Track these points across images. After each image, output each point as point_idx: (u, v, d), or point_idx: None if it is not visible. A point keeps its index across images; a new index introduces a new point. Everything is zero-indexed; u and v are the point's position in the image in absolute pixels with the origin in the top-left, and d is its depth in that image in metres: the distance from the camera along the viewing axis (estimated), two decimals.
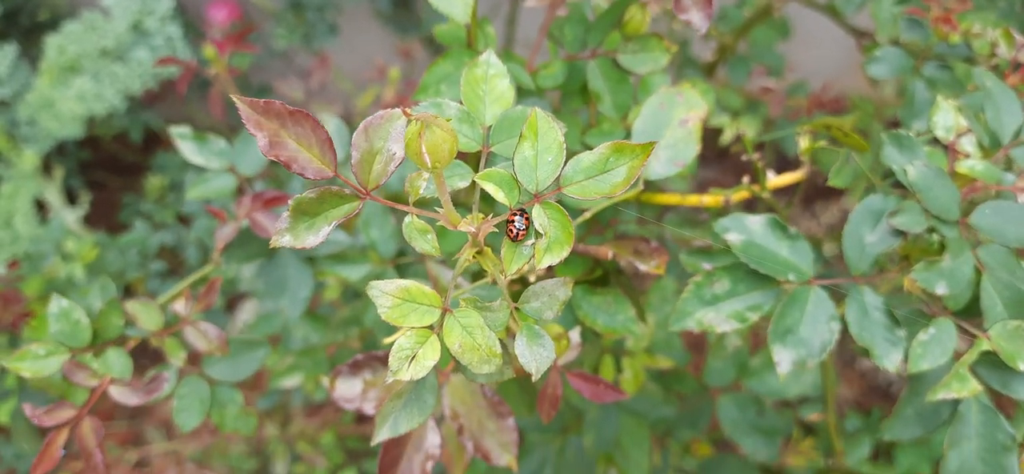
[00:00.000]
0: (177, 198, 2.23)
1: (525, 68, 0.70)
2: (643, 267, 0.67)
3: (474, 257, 0.49)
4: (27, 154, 2.01)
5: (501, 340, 0.49)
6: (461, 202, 0.56)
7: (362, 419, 1.83)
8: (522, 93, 0.70)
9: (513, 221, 0.46)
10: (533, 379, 0.49)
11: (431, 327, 0.46)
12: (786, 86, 1.44)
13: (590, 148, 0.64)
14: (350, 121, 2.50)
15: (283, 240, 0.44)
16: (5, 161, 2.06)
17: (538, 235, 0.46)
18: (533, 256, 0.46)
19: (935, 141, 0.66)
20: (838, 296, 0.62)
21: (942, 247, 0.61)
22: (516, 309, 0.51)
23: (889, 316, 0.60)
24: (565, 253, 0.45)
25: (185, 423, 0.72)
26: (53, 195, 2.18)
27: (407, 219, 0.46)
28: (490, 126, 0.52)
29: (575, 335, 0.67)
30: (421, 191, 0.46)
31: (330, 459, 1.68)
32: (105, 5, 1.97)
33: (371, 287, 0.46)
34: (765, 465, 1.02)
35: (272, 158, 0.42)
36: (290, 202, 0.43)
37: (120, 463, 1.57)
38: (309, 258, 0.80)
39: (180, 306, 0.73)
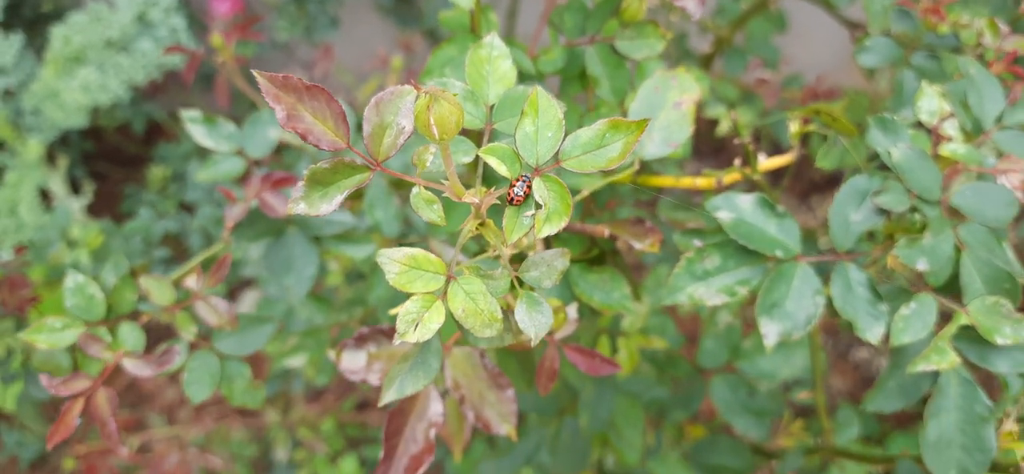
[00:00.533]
0: (179, 188, 2.26)
1: (527, 54, 0.73)
2: (638, 245, 0.70)
3: (477, 229, 0.51)
4: (32, 143, 2.04)
5: (502, 307, 0.52)
6: (464, 181, 0.58)
7: (362, 406, 1.85)
8: (523, 77, 0.72)
9: (514, 186, 0.49)
10: (532, 344, 0.51)
11: (436, 293, 0.49)
12: (781, 78, 1.47)
13: None
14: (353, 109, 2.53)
15: (298, 208, 0.46)
16: (10, 150, 2.09)
17: (538, 206, 0.49)
18: (533, 227, 0.48)
19: (919, 125, 0.69)
20: (825, 273, 0.65)
21: (924, 226, 0.63)
22: (516, 277, 0.53)
23: (872, 291, 0.63)
24: (564, 223, 0.48)
25: (196, 395, 0.75)
26: (57, 184, 2.20)
27: (415, 190, 0.48)
28: (493, 105, 0.55)
29: (572, 311, 0.70)
30: (428, 164, 0.49)
31: (330, 445, 1.71)
32: None
33: (380, 254, 0.48)
34: (757, 445, 1.05)
35: (289, 129, 0.45)
36: (306, 171, 0.46)
37: (127, 448, 1.59)
38: (315, 238, 0.82)
39: (191, 282, 0.76)
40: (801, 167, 2.23)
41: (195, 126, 0.87)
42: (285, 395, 1.74)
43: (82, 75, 1.94)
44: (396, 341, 0.48)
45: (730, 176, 0.72)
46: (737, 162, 0.73)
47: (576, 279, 0.72)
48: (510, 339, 0.54)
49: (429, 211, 0.48)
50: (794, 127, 0.73)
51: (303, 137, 0.45)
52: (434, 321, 0.48)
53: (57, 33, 1.95)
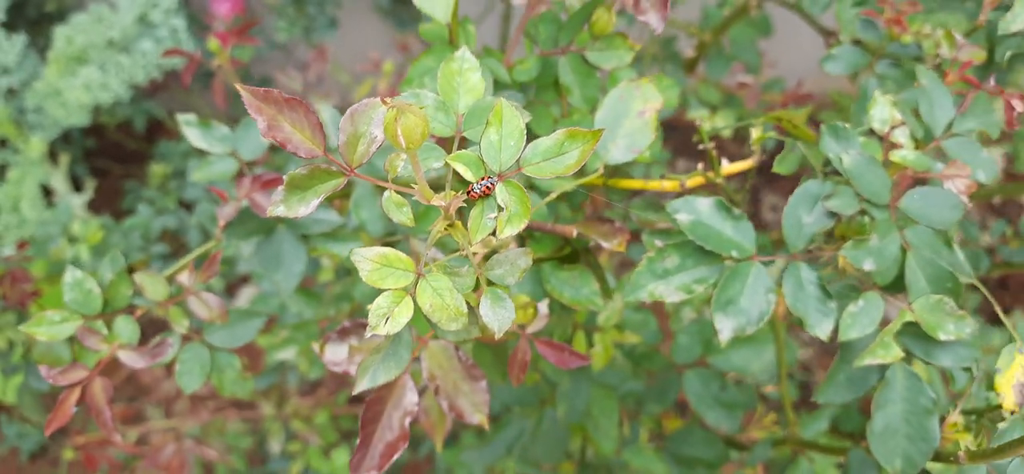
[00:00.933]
0: (179, 185, 2.30)
1: (503, 63, 0.77)
2: (606, 244, 0.74)
3: (446, 229, 0.55)
4: (34, 141, 2.08)
5: (468, 302, 0.56)
6: (437, 186, 0.62)
7: (355, 400, 1.89)
8: (499, 86, 0.77)
9: (473, 186, 0.53)
10: (496, 337, 0.55)
11: (406, 289, 0.53)
12: (762, 83, 1.51)
13: None
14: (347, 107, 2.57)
15: (278, 209, 0.50)
16: (13, 147, 2.13)
17: (500, 209, 0.53)
18: (496, 227, 0.52)
19: (872, 133, 0.73)
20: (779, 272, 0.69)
21: (872, 228, 0.67)
22: (482, 275, 0.58)
23: (822, 289, 0.67)
24: (523, 225, 0.52)
25: (187, 384, 0.79)
26: (59, 181, 2.25)
27: (386, 194, 0.53)
28: (463, 114, 0.59)
29: (543, 306, 0.74)
30: (399, 170, 0.53)
31: (323, 437, 1.75)
32: None
33: (355, 253, 0.52)
34: (729, 437, 1.09)
35: (270, 139, 0.49)
36: (285, 177, 0.50)
37: (123, 439, 1.64)
38: (303, 236, 0.86)
39: (184, 278, 0.80)
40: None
41: (190, 129, 0.91)
42: (280, 388, 1.78)
43: (84, 74, 1.98)
44: (368, 334, 0.52)
45: (693, 180, 0.76)
46: (701, 166, 0.77)
47: (548, 276, 0.76)
48: (476, 332, 0.59)
49: (398, 213, 0.52)
50: (755, 133, 0.77)
51: (282, 145, 0.49)
52: (403, 315, 0.52)
53: (60, 33, 1.99)
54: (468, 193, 0.54)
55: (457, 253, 0.60)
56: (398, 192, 0.53)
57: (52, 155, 2.34)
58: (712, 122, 1.39)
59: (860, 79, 0.92)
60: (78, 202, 2.29)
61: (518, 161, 0.53)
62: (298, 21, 2.42)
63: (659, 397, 1.08)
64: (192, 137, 0.91)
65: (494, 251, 0.71)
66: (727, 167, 0.78)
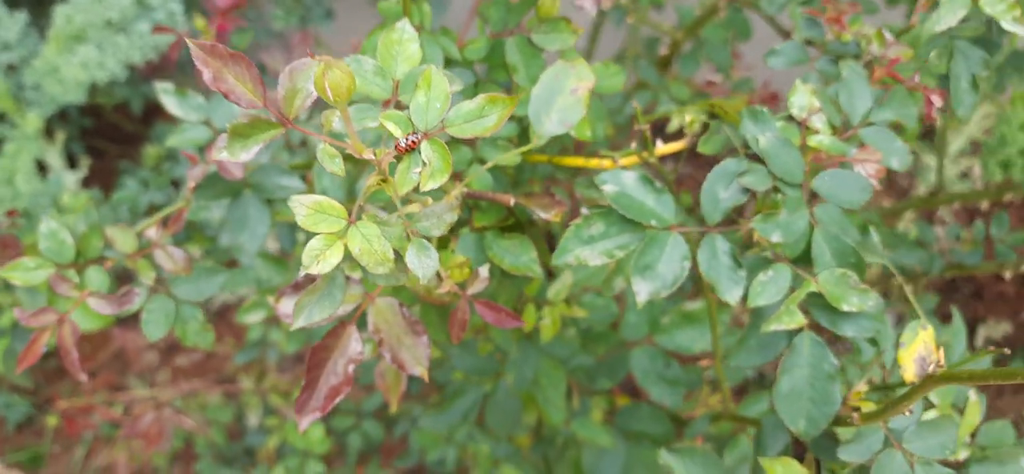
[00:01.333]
0: (173, 167, 2.35)
1: (455, 43, 0.83)
2: (544, 215, 0.79)
3: (379, 183, 0.61)
4: (31, 116, 2.14)
5: (396, 250, 0.61)
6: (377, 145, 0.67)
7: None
8: (450, 63, 0.82)
9: (399, 141, 0.58)
10: (421, 282, 0.61)
11: (338, 234, 0.58)
12: (732, 82, 1.56)
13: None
14: None
15: (222, 155, 0.56)
16: (10, 122, 2.19)
17: (425, 164, 0.58)
18: (420, 181, 0.58)
19: (791, 118, 0.78)
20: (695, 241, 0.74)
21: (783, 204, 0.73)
22: (409, 226, 0.63)
23: (734, 259, 0.72)
24: (445, 179, 0.57)
25: (152, 333, 0.84)
26: (54, 157, 2.30)
27: (320, 146, 0.58)
28: (400, 80, 0.64)
29: (484, 270, 0.80)
30: (334, 125, 0.59)
31: None
32: None
33: (292, 199, 0.58)
34: (675, 414, 1.14)
35: (215, 89, 0.54)
36: (228, 125, 0.55)
37: (107, 408, 1.70)
38: (268, 200, 0.92)
39: (152, 233, 0.85)
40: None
41: (167, 97, 0.96)
42: (260, 364, 1.84)
43: (82, 53, 2.04)
44: (301, 272, 0.57)
45: (627, 158, 0.82)
46: (633, 145, 0.82)
47: (490, 243, 0.82)
48: (404, 279, 0.64)
49: (331, 164, 0.58)
50: (688, 117, 0.82)
51: (226, 95, 0.54)
52: (333, 257, 0.58)
53: (61, 12, 2.05)
54: (396, 148, 0.59)
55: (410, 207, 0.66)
56: (332, 145, 0.58)
57: (49, 132, 2.40)
58: (680, 116, 1.44)
59: (801, 74, 0.97)
60: (72, 179, 2.35)
61: (443, 122, 0.58)
62: (295, 10, 2.47)
63: (610, 372, 1.14)
64: (169, 105, 0.97)
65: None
66: (660, 148, 0.83)
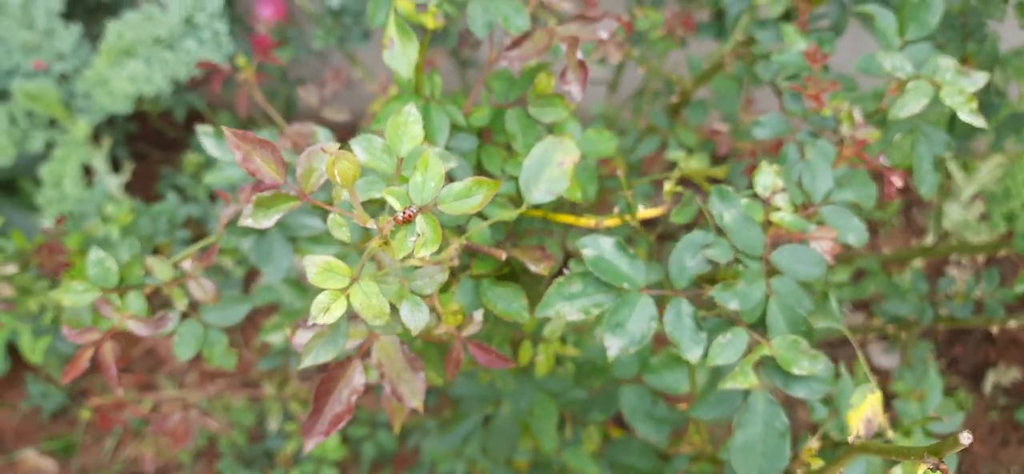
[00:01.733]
0: (218, 165, 2.47)
1: (462, 110, 0.92)
2: (535, 268, 0.89)
3: (381, 246, 0.70)
4: (80, 124, 2.27)
5: (393, 304, 0.71)
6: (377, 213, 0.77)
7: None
8: (457, 129, 0.92)
9: (397, 214, 0.68)
10: (413, 335, 0.70)
11: (342, 290, 0.68)
12: (741, 130, 1.65)
13: (510, 175, 0.86)
14: (357, 123, 2.74)
15: (247, 221, 0.66)
16: (61, 128, 2.32)
17: (419, 235, 0.67)
18: (415, 248, 0.67)
19: (755, 196, 0.87)
20: (662, 303, 0.83)
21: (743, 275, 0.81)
22: (406, 284, 0.73)
23: (696, 322, 0.81)
24: (435, 247, 0.67)
25: (182, 354, 0.95)
26: (99, 162, 2.43)
27: (330, 215, 0.68)
28: (404, 157, 0.74)
29: (478, 314, 0.89)
30: (343, 198, 0.68)
31: None
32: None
33: (305, 259, 0.68)
34: (661, 450, 1.23)
35: (244, 168, 0.64)
36: (254, 197, 0.65)
37: (137, 405, 1.81)
38: (291, 237, 1.02)
39: (187, 264, 0.96)
40: None
41: (206, 138, 1.07)
42: (282, 371, 1.94)
43: (130, 67, 2.16)
44: (309, 322, 0.67)
45: (610, 221, 0.91)
46: (616, 210, 0.91)
47: (486, 290, 0.91)
48: (399, 328, 0.73)
49: (339, 231, 0.68)
50: (668, 186, 0.91)
51: (253, 174, 0.64)
52: (338, 310, 0.67)
53: (112, 28, 2.18)
54: (396, 219, 0.69)
55: (409, 263, 0.75)
56: (340, 214, 0.68)
57: (96, 137, 2.53)
58: (687, 163, 1.53)
59: (784, 144, 1.05)
60: (115, 182, 2.48)
61: (436, 199, 0.68)
62: (334, 31, 2.59)
63: (602, 407, 1.23)
64: (207, 145, 1.07)
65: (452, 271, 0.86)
66: (642, 212, 0.92)
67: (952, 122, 1.48)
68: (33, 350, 2.18)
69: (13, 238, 2.19)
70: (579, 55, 0.83)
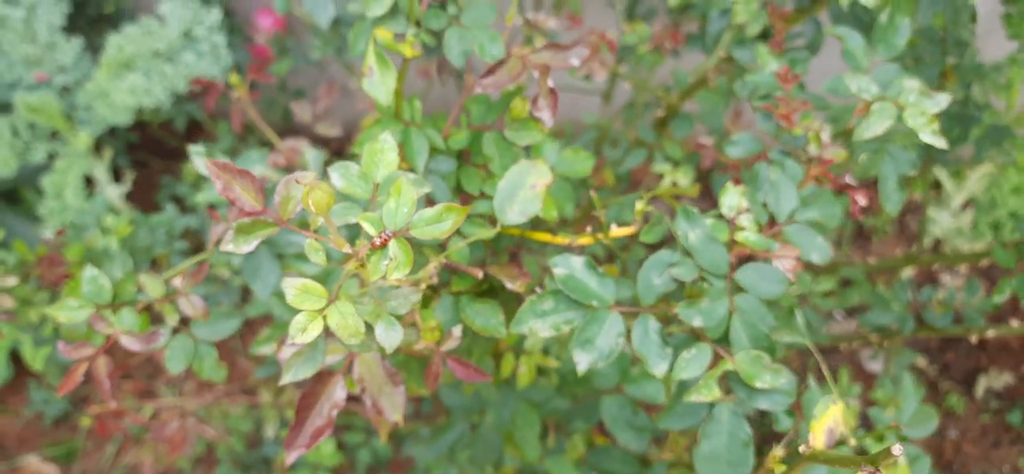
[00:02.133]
0: (209, 183, 2.52)
1: (441, 133, 0.96)
2: (510, 285, 0.92)
3: (357, 268, 0.74)
4: (81, 135, 2.31)
5: (368, 323, 0.74)
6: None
7: (349, 397, 2.09)
8: (436, 151, 0.95)
9: (373, 239, 0.71)
10: (388, 353, 0.74)
11: (319, 311, 0.71)
12: (720, 143, 1.68)
13: (486, 195, 0.90)
14: (351, 136, 2.78)
15: (228, 246, 0.69)
16: (62, 139, 2.36)
17: (392, 258, 0.71)
18: (387, 271, 0.71)
19: (721, 217, 0.90)
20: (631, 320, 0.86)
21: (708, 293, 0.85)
22: (380, 304, 0.76)
23: (662, 337, 0.84)
24: (407, 270, 0.70)
25: (173, 368, 0.98)
26: (101, 172, 2.47)
27: (307, 241, 0.71)
28: (379, 183, 0.78)
29: (457, 330, 0.93)
30: (319, 224, 0.72)
31: None
32: (161, 12, 2.26)
33: (284, 282, 0.71)
34: (642, 456, 1.26)
35: (225, 196, 0.68)
36: (234, 224, 0.69)
37: (135, 413, 1.85)
38: (279, 255, 1.05)
39: (178, 282, 1.00)
40: None
41: (197, 158, 1.10)
42: (278, 379, 1.98)
43: (131, 80, 2.20)
44: (288, 341, 0.70)
45: (583, 239, 0.94)
46: (589, 229, 0.95)
47: (465, 306, 0.95)
48: (375, 346, 0.77)
49: (316, 256, 0.71)
50: (638, 206, 0.94)
51: (233, 202, 0.68)
52: (315, 330, 0.71)
53: (112, 41, 2.22)
54: (371, 244, 0.72)
55: (391, 285, 0.79)
56: (317, 240, 0.72)
57: (97, 148, 2.57)
58: (673, 176, 1.57)
59: (755, 164, 1.09)
60: (116, 192, 2.52)
61: (408, 224, 0.72)
62: (332, 41, 2.63)
63: (585, 416, 1.26)
64: (198, 165, 1.11)
65: (433, 287, 0.90)
66: (614, 231, 0.95)
67: (915, 142, 1.52)
68: (34, 358, 2.22)
69: (15, 248, 2.22)
70: (550, 83, 0.86)
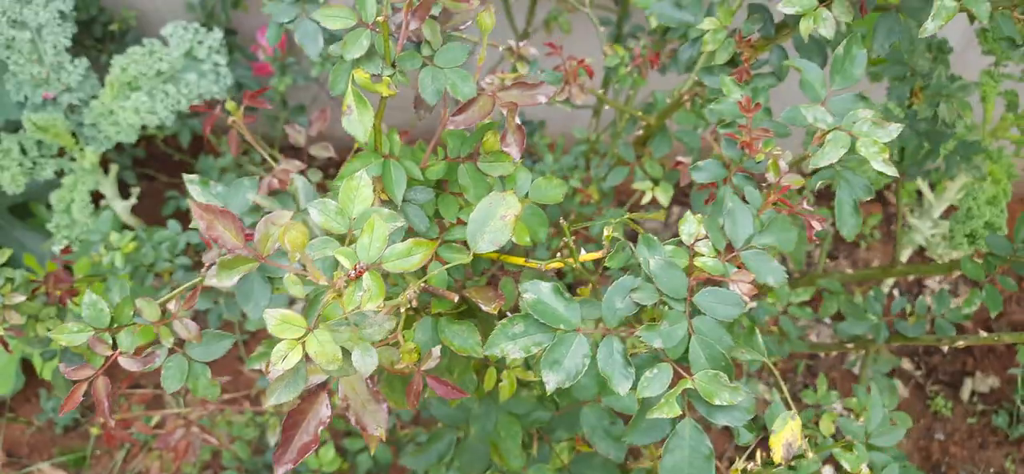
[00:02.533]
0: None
1: (420, 164, 1.02)
2: (486, 308, 0.98)
3: (334, 298, 0.80)
4: (88, 152, 2.37)
5: (345, 348, 0.80)
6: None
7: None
8: (414, 182, 1.01)
9: (350, 272, 0.77)
10: (365, 377, 0.80)
11: (299, 339, 0.77)
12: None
13: (463, 222, 0.96)
14: (343, 158, 2.84)
15: (211, 281, 0.75)
16: (69, 156, 2.43)
17: (366, 290, 0.77)
18: (362, 301, 0.77)
19: (680, 243, 0.96)
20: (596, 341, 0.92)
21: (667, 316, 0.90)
22: (355, 332, 0.82)
23: (625, 358, 0.90)
24: (380, 301, 0.76)
25: (169, 387, 1.04)
26: (107, 188, 2.54)
27: (286, 274, 0.77)
28: (355, 218, 0.83)
29: (437, 350, 0.98)
30: (297, 259, 0.78)
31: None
32: (164, 33, 2.32)
33: (265, 313, 0.77)
34: (622, 464, 1.32)
35: (208, 235, 0.74)
36: (218, 261, 0.75)
37: (140, 421, 1.91)
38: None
39: (172, 305, 1.06)
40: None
41: (192, 186, 1.16)
42: None
43: (135, 99, 2.27)
44: (270, 369, 0.76)
45: (553, 264, 1.00)
46: (559, 255, 1.00)
47: (443, 328, 1.00)
48: (352, 372, 0.83)
49: (295, 288, 0.77)
50: (607, 232, 1.00)
51: (216, 241, 0.74)
52: (296, 357, 0.77)
53: (117, 62, 2.28)
54: (347, 276, 0.78)
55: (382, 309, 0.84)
56: (296, 274, 0.77)
57: (103, 164, 2.63)
58: (653, 192, 1.62)
59: (719, 188, 1.14)
60: (123, 207, 2.59)
61: (380, 258, 0.77)
62: (330, 59, 2.69)
63: (566, 426, 1.32)
64: (193, 192, 1.17)
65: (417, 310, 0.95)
66: (583, 255, 1.01)
67: (902, 153, 1.57)
68: (44, 369, 2.29)
69: (25, 261, 2.29)
70: (517, 121, 0.92)
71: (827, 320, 2.57)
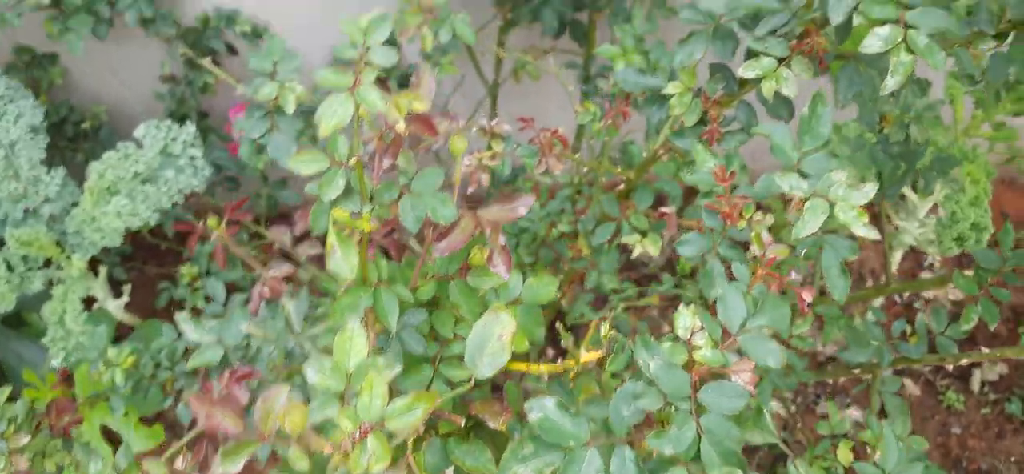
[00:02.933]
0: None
1: (408, 287, 1.02)
2: (493, 424, 0.98)
3: (340, 461, 0.79)
4: (75, 259, 2.37)
5: None
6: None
7: None
8: (405, 306, 1.01)
9: (354, 434, 0.77)
10: None
11: None
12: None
13: (460, 336, 0.96)
14: None
15: (218, 471, 0.75)
16: (57, 265, 2.42)
17: (371, 454, 0.77)
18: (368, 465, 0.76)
19: (677, 339, 0.96)
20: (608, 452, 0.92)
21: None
22: None
23: (638, 466, 0.89)
24: (386, 464, 0.76)
25: None
26: (99, 290, 2.54)
27: (289, 450, 0.77)
28: (351, 373, 0.83)
29: (450, 471, 0.98)
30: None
31: None
32: (137, 135, 2.31)
33: None
34: None
35: (206, 425, 0.73)
36: (221, 450, 0.75)
37: None
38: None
39: (178, 462, 1.05)
40: None
41: (185, 324, 1.16)
42: None
43: (115, 203, 2.26)
44: None
45: (551, 368, 1.00)
46: (559, 361, 1.00)
47: (452, 448, 1.00)
48: None
49: (300, 464, 0.77)
50: (604, 329, 1.00)
51: (215, 429, 0.74)
52: None
53: (94, 168, 2.28)
54: (353, 441, 0.78)
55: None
56: (298, 449, 0.77)
57: (92, 267, 2.63)
58: (642, 245, 1.62)
59: (707, 260, 1.14)
60: (116, 305, 2.58)
61: (383, 416, 0.77)
62: (308, 130, 2.69)
63: None
64: (186, 330, 1.17)
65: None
66: (584, 356, 1.01)
67: (880, 177, 1.58)
68: None
69: (25, 376, 2.28)
70: (502, 241, 0.92)
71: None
